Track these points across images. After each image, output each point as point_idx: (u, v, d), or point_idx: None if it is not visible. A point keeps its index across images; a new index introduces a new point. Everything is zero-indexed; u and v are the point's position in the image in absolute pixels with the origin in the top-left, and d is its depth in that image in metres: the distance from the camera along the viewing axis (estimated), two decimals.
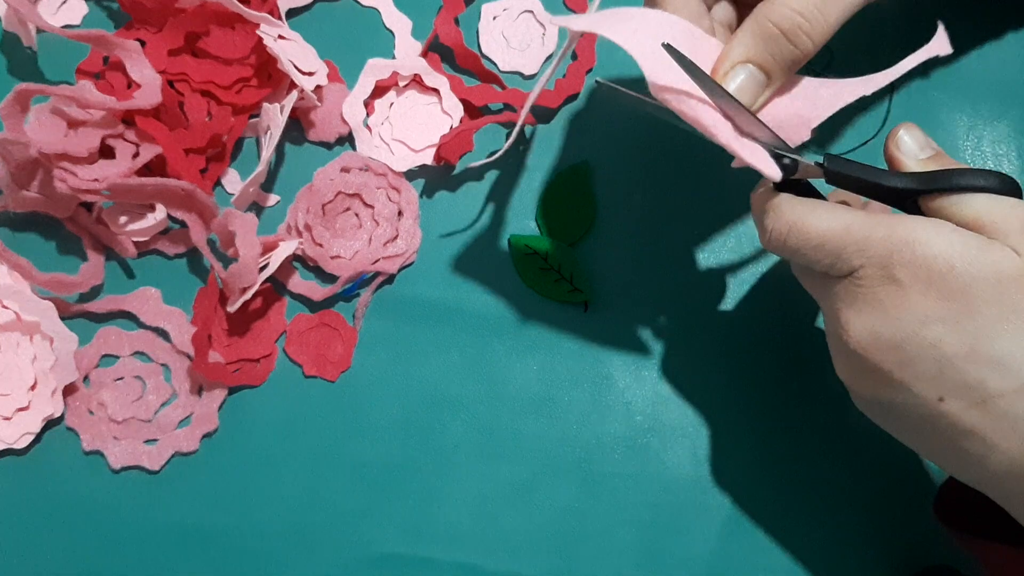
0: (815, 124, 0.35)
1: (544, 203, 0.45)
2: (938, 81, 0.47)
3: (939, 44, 0.36)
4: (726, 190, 0.45)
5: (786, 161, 0.33)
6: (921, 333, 0.30)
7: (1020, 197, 0.31)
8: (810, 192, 0.35)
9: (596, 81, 0.36)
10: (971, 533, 0.36)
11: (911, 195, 0.32)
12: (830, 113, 0.35)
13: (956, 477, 0.33)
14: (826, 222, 0.32)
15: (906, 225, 0.31)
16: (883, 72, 0.35)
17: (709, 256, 0.45)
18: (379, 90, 0.46)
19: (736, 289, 0.45)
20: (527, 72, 0.47)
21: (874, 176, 0.33)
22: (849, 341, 0.32)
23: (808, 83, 0.36)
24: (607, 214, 0.45)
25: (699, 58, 0.33)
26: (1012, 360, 0.29)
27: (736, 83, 0.34)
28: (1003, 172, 0.31)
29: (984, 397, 0.29)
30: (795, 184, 0.34)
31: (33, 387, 0.42)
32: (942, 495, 0.38)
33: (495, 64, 0.47)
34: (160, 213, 0.43)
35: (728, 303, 0.45)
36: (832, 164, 0.33)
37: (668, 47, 0.31)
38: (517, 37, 0.47)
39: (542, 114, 0.46)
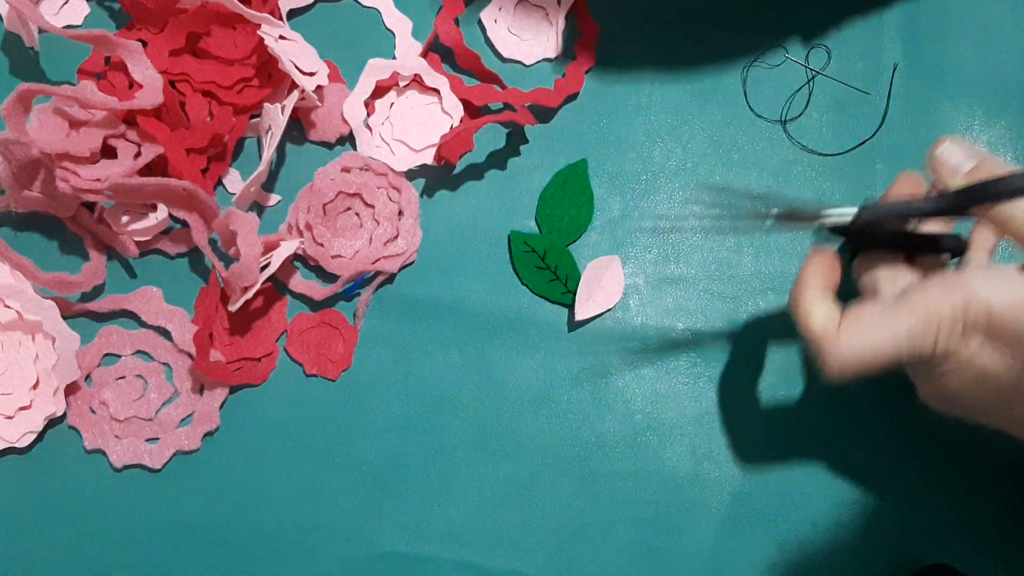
0: None
1: (544, 202, 0.45)
2: (936, 81, 0.47)
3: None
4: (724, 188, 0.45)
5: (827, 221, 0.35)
6: (1009, 374, 0.32)
7: None
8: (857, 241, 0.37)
9: (773, 214, 0.36)
10: None
11: (958, 211, 0.33)
12: None
13: None
14: (879, 346, 0.33)
15: (971, 299, 0.31)
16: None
17: (708, 255, 0.45)
18: (379, 90, 0.46)
19: (735, 288, 0.45)
20: (527, 62, 0.47)
21: (907, 208, 0.34)
22: (939, 397, 0.35)
23: None
24: (607, 214, 0.46)
25: None
26: None
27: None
28: None
29: None
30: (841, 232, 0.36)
31: (35, 386, 0.42)
32: None
33: (499, 51, 0.47)
34: (162, 213, 0.44)
35: (727, 302, 0.45)
36: (866, 213, 0.35)
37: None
38: (519, 25, 0.47)
39: (542, 114, 0.46)
